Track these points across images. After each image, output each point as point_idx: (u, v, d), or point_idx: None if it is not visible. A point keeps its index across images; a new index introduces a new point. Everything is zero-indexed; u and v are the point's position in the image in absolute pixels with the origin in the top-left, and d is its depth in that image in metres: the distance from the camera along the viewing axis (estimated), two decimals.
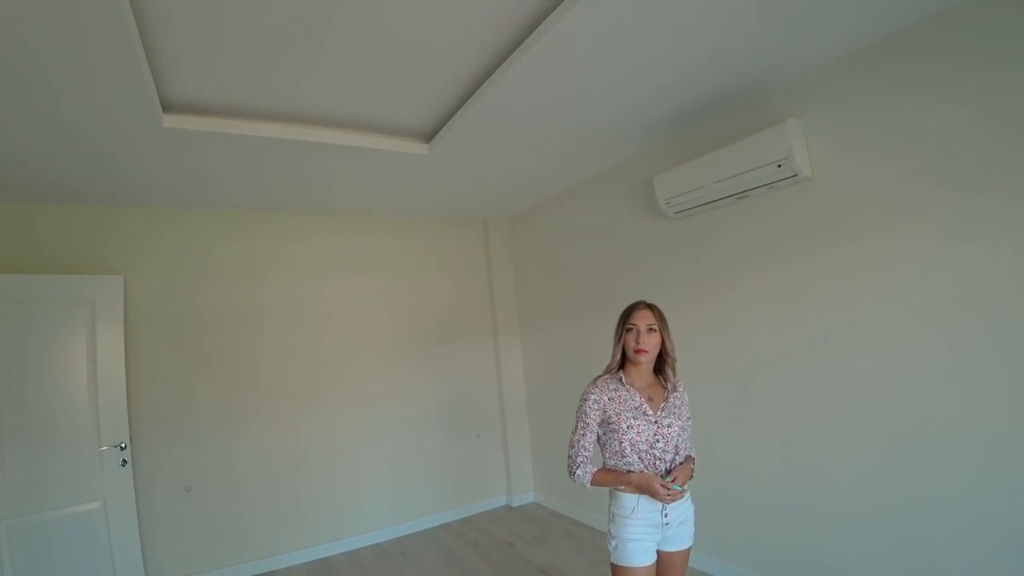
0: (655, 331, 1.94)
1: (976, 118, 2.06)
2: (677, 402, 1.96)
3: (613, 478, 1.87)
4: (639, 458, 1.86)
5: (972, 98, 2.06)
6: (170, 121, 2.59)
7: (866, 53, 2.37)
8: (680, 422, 1.92)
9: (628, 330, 1.96)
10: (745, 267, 2.95)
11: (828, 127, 2.53)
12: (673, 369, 2.01)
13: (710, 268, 3.15)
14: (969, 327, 2.11)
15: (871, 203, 2.39)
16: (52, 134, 2.55)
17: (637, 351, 1.92)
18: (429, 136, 3.16)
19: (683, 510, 1.91)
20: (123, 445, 3.35)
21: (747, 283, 2.95)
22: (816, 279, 2.62)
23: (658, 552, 1.88)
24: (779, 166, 2.55)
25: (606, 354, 2.06)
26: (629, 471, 1.86)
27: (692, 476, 1.93)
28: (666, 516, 1.84)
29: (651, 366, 2.00)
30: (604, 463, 1.95)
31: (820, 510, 2.63)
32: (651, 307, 1.98)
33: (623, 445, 1.86)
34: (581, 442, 1.91)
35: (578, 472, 1.88)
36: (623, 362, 2.00)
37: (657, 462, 1.87)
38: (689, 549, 1.94)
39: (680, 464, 1.91)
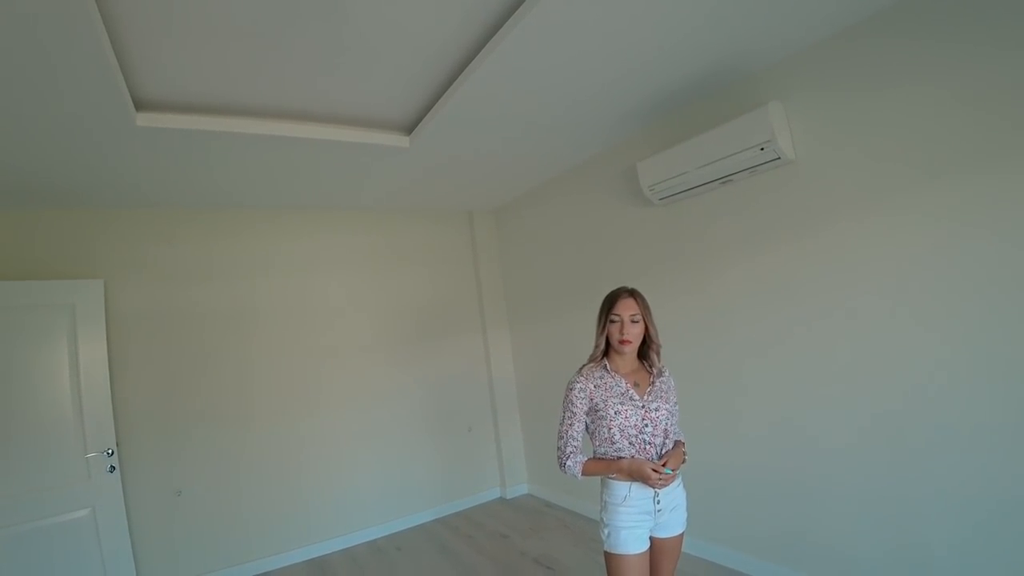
0: (639, 321, 1.93)
1: (956, 100, 2.07)
2: (664, 386, 1.96)
3: (604, 466, 1.86)
4: (629, 443, 1.85)
5: (951, 80, 2.07)
6: (144, 120, 2.53)
7: (848, 35, 2.36)
8: (667, 406, 1.91)
9: (612, 321, 1.94)
10: (730, 250, 2.96)
11: (811, 109, 2.53)
12: (658, 354, 2.01)
13: (695, 252, 3.15)
14: (952, 307, 2.12)
15: (854, 184, 2.40)
16: (23, 136, 2.49)
17: (622, 342, 1.91)
18: (409, 128, 3.12)
19: (675, 496, 1.91)
20: (110, 451, 3.31)
21: (732, 266, 2.95)
22: (800, 260, 2.63)
23: (651, 538, 1.88)
24: (762, 149, 2.54)
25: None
26: (619, 457, 1.85)
27: (684, 460, 1.93)
28: (658, 502, 1.84)
29: (636, 352, 1.99)
30: (594, 452, 1.94)
31: (809, 490, 2.65)
32: (633, 295, 1.96)
33: (612, 431, 1.85)
34: (569, 432, 1.90)
35: (568, 463, 1.87)
36: (607, 349, 1.99)
37: (647, 447, 1.86)
38: (682, 535, 1.94)
39: (671, 449, 1.91)
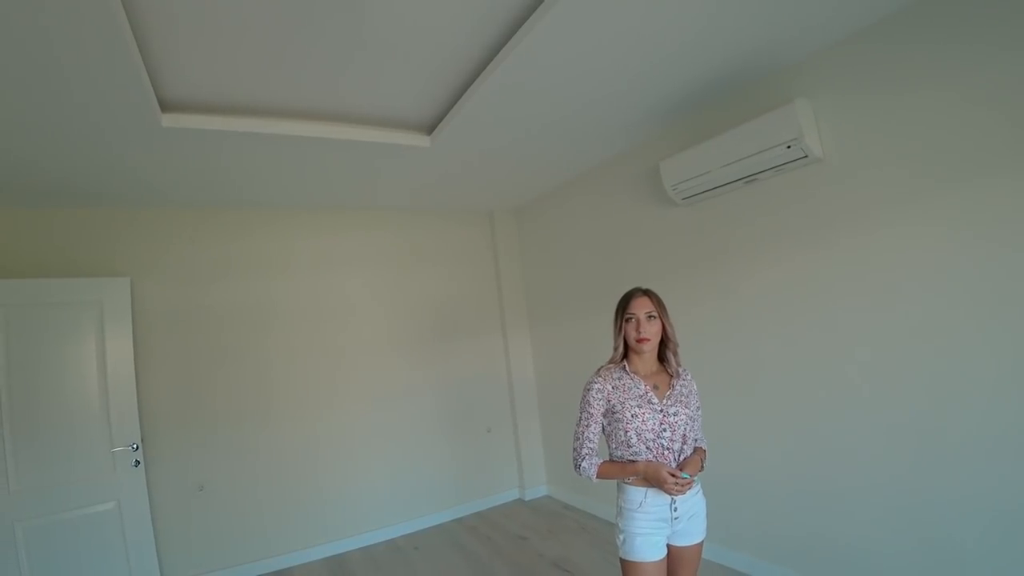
0: (655, 318, 1.89)
1: (990, 97, 1.98)
2: (684, 390, 1.91)
3: (619, 469, 1.83)
4: (647, 448, 1.81)
5: (986, 77, 1.98)
6: (169, 120, 2.57)
7: (878, 30, 2.28)
8: (688, 411, 1.87)
9: (627, 320, 1.91)
10: (755, 251, 2.89)
11: (839, 107, 2.45)
12: (675, 354, 1.96)
13: (719, 253, 3.09)
14: (987, 310, 2.03)
15: (884, 184, 2.32)
16: (53, 138, 2.55)
17: (639, 340, 1.87)
18: (430, 128, 3.12)
19: (693, 503, 1.86)
20: (135, 445, 3.37)
21: (756, 267, 2.88)
22: (828, 262, 2.55)
23: (669, 547, 1.84)
24: (788, 147, 2.47)
25: None
26: (634, 461, 1.82)
27: (702, 468, 1.88)
28: (675, 510, 1.79)
29: (655, 354, 1.95)
30: (610, 455, 1.91)
31: (833, 497, 2.57)
32: (648, 293, 1.93)
33: (629, 434, 1.82)
34: (585, 433, 1.87)
35: (583, 464, 1.84)
36: (626, 351, 1.95)
37: (665, 452, 1.82)
38: (702, 543, 1.89)
39: (690, 455, 1.87)
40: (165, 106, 2.53)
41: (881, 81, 2.29)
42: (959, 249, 2.10)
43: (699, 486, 1.90)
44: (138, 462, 3.37)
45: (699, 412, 1.94)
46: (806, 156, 2.49)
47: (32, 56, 1.88)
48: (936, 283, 2.17)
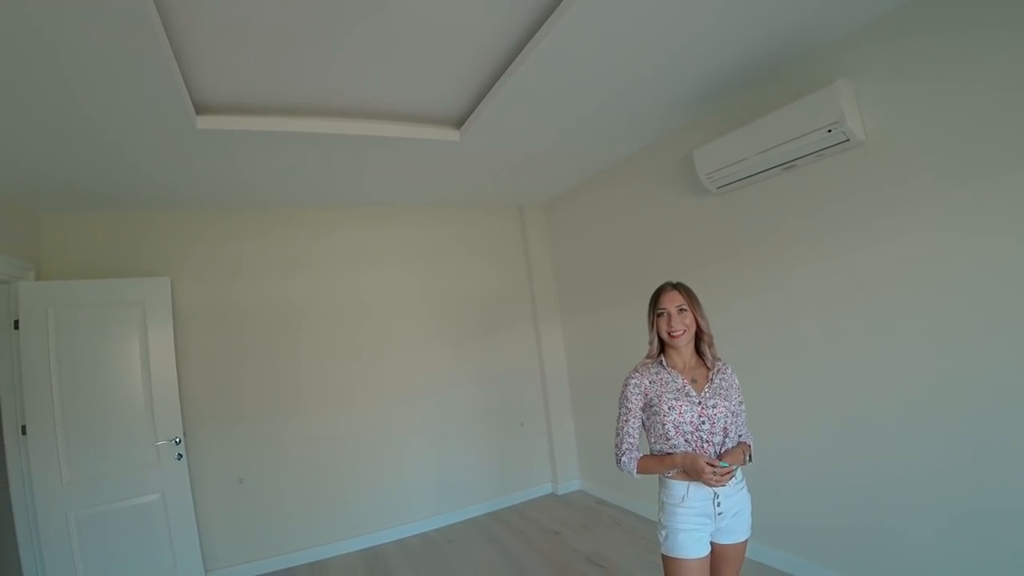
0: (686, 311, 1.87)
1: None
2: (724, 384, 1.87)
3: (657, 462, 1.80)
4: (685, 440, 1.78)
5: None
6: (203, 122, 2.62)
7: (924, 3, 2.16)
8: (727, 404, 1.82)
9: (659, 315, 1.89)
10: (794, 240, 2.79)
11: (884, 87, 2.34)
12: (710, 346, 1.92)
13: (756, 243, 3.00)
14: None
15: (932, 168, 2.20)
16: (95, 146, 2.65)
17: (672, 335, 1.85)
18: (459, 122, 3.10)
19: (738, 500, 1.81)
20: (178, 439, 3.47)
21: (797, 256, 2.79)
22: (872, 251, 2.45)
23: (713, 544, 1.80)
24: (829, 131, 2.38)
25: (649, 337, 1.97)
26: (672, 454, 1.78)
27: (747, 461, 1.84)
28: (719, 506, 1.75)
29: (691, 347, 1.92)
30: (650, 449, 1.88)
31: (881, 494, 2.48)
32: (678, 287, 1.91)
33: (666, 427, 1.79)
34: (625, 428, 1.85)
35: (624, 460, 1.83)
36: (662, 347, 1.92)
37: (704, 445, 1.78)
38: (746, 542, 1.84)
39: (732, 448, 1.82)
40: (197, 108, 2.57)
41: (928, 59, 2.18)
42: (1015, 238, 1.98)
43: (743, 482, 1.85)
44: (180, 455, 3.47)
45: (741, 407, 1.90)
46: (848, 140, 2.39)
47: (68, 67, 1.93)
48: (991, 273, 2.06)
